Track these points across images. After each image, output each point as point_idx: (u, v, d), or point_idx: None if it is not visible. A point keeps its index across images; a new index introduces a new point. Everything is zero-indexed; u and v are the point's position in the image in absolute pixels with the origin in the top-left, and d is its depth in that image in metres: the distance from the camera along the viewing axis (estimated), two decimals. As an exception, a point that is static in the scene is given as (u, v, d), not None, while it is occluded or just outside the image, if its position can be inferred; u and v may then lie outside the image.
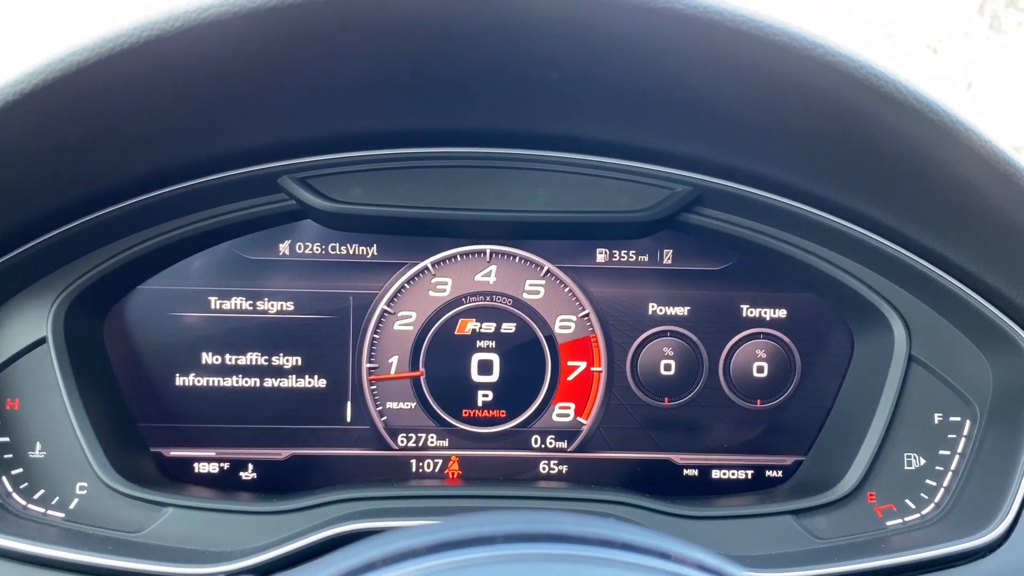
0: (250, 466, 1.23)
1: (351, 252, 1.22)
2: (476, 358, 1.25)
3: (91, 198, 1.05)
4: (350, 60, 0.92)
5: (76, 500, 1.11)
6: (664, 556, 0.58)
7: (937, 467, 1.17)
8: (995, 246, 1.03)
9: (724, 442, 1.27)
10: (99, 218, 1.07)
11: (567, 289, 1.25)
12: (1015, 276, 1.06)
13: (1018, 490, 1.07)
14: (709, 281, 1.25)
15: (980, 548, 1.04)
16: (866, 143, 0.95)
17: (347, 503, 1.12)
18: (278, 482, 1.22)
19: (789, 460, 1.27)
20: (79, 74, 0.82)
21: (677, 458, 1.26)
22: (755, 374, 1.26)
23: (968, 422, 1.17)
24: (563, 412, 1.26)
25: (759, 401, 1.26)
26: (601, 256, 1.25)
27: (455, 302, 1.24)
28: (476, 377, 1.25)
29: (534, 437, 1.27)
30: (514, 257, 1.24)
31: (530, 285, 1.25)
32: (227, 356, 1.21)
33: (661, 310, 1.25)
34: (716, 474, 1.26)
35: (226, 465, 1.23)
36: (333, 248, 1.22)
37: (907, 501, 1.16)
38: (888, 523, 1.15)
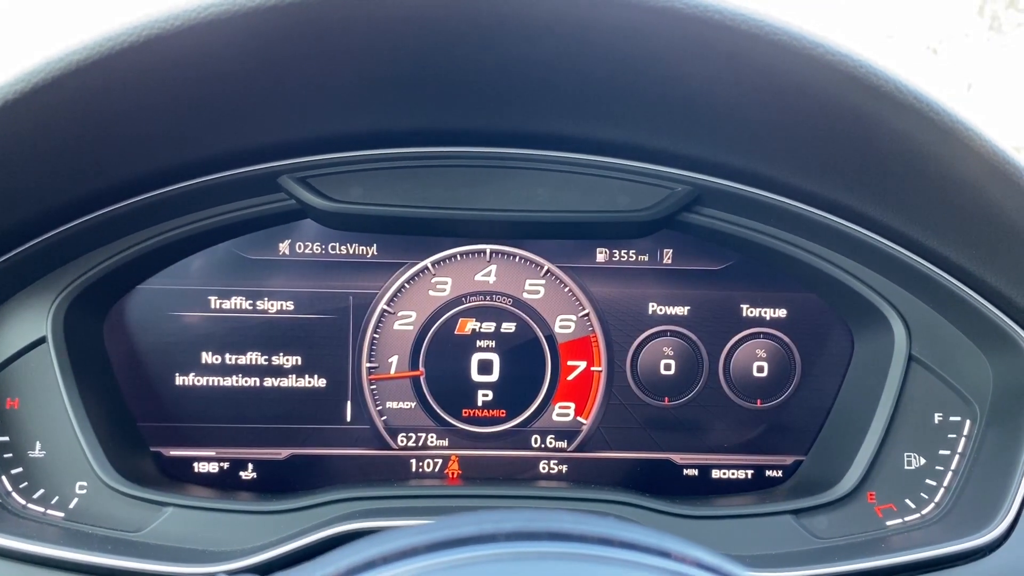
0: (250, 466, 1.23)
1: (351, 252, 1.22)
2: (476, 358, 1.25)
3: (91, 197, 1.05)
4: (350, 59, 0.92)
5: (76, 499, 1.11)
6: (664, 555, 0.58)
7: (937, 467, 1.17)
8: (995, 246, 1.03)
9: (724, 442, 1.27)
10: (99, 217, 1.07)
11: (567, 289, 1.25)
12: (1015, 276, 1.06)
13: (1018, 490, 1.07)
14: (709, 281, 1.25)
15: (980, 548, 1.04)
16: (866, 142, 0.95)
17: (347, 503, 1.12)
18: (278, 482, 1.22)
19: (789, 460, 1.27)
20: (79, 73, 0.82)
21: (677, 458, 1.26)
22: (755, 374, 1.26)
23: (968, 422, 1.17)
24: (563, 412, 1.26)
25: (759, 401, 1.26)
26: (601, 256, 1.25)
27: (455, 302, 1.24)
28: (476, 377, 1.25)
29: (534, 437, 1.27)
30: (514, 257, 1.24)
31: (530, 285, 1.25)
32: (227, 356, 1.21)
33: (661, 310, 1.25)
34: (716, 474, 1.26)
35: (226, 465, 1.23)
36: (333, 248, 1.22)
37: (907, 501, 1.16)
38: (888, 523, 1.15)
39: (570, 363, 1.26)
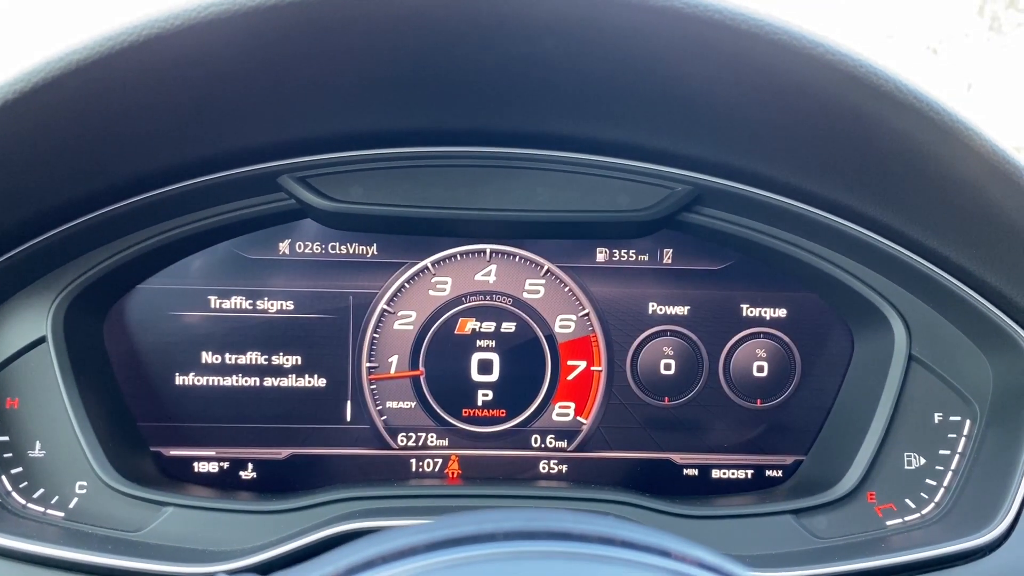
0: (250, 465, 1.23)
1: (351, 251, 1.22)
2: (476, 357, 1.25)
3: (91, 197, 1.05)
4: (350, 59, 0.92)
5: (75, 499, 1.11)
6: (664, 554, 0.58)
7: (937, 467, 1.17)
8: (995, 245, 1.03)
9: (724, 442, 1.27)
10: (99, 217, 1.07)
11: (567, 288, 1.25)
12: (1015, 276, 1.06)
13: (1018, 490, 1.07)
14: (709, 280, 1.25)
15: (980, 548, 1.04)
16: (866, 142, 0.95)
17: (347, 502, 1.12)
18: (278, 481, 1.22)
19: (789, 460, 1.27)
20: (79, 72, 0.82)
21: (677, 457, 1.26)
22: (755, 373, 1.26)
23: (968, 422, 1.17)
24: (563, 411, 1.26)
25: (759, 401, 1.26)
26: (601, 255, 1.25)
27: (455, 301, 1.24)
28: (476, 376, 1.25)
29: (534, 436, 1.27)
30: (514, 256, 1.24)
31: (530, 284, 1.25)
32: (227, 355, 1.21)
33: (661, 309, 1.25)
34: (716, 474, 1.26)
35: (226, 464, 1.23)
36: (333, 247, 1.22)
37: (907, 501, 1.16)
38: (888, 523, 1.15)
39: (570, 363, 1.26)
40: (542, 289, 1.25)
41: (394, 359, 1.24)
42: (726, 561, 0.60)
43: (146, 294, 1.19)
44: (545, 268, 1.25)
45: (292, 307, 1.22)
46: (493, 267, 1.24)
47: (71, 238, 1.07)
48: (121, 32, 0.81)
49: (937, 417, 1.18)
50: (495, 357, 1.25)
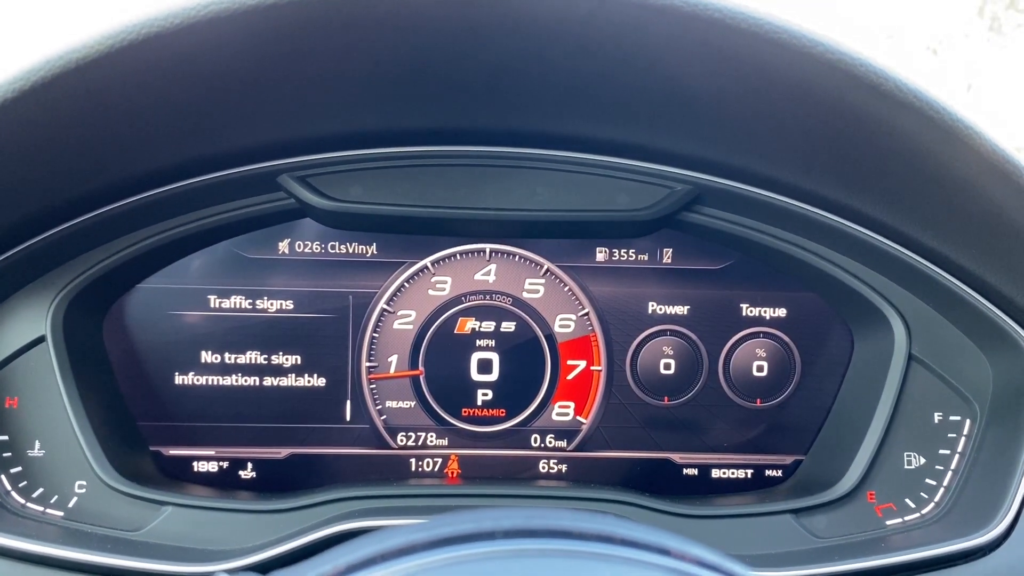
0: (249, 465, 1.23)
1: (350, 251, 1.22)
2: (476, 357, 1.25)
3: (90, 196, 1.05)
4: (349, 58, 0.92)
5: (75, 499, 1.11)
6: (663, 552, 0.58)
7: (937, 466, 1.17)
8: (995, 245, 1.03)
9: (724, 441, 1.27)
10: (98, 216, 1.07)
11: (567, 288, 1.25)
12: (1015, 275, 1.06)
13: (1018, 489, 1.07)
14: (709, 280, 1.25)
15: (980, 547, 1.03)
16: (866, 141, 0.95)
17: (346, 502, 1.12)
18: (277, 481, 1.22)
19: (789, 459, 1.27)
20: (78, 71, 0.82)
21: (677, 457, 1.26)
22: (755, 373, 1.26)
23: (968, 421, 1.17)
24: (563, 411, 1.26)
25: (759, 400, 1.26)
26: (601, 255, 1.25)
27: (455, 301, 1.24)
28: (476, 376, 1.25)
29: (533, 436, 1.26)
30: (514, 256, 1.24)
31: (530, 284, 1.25)
32: (226, 355, 1.21)
33: (661, 309, 1.25)
34: (716, 473, 1.26)
35: (225, 464, 1.22)
36: (332, 247, 1.22)
37: (907, 500, 1.16)
38: (888, 522, 1.15)
39: (570, 362, 1.26)
40: (542, 289, 1.25)
41: (394, 359, 1.24)
42: (726, 560, 0.60)
43: (146, 293, 1.19)
44: (545, 268, 1.24)
45: (292, 307, 1.22)
46: (493, 267, 1.24)
47: (71, 237, 1.07)
48: (120, 31, 0.81)
49: (937, 417, 1.18)
50: (495, 357, 1.25)
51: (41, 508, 1.10)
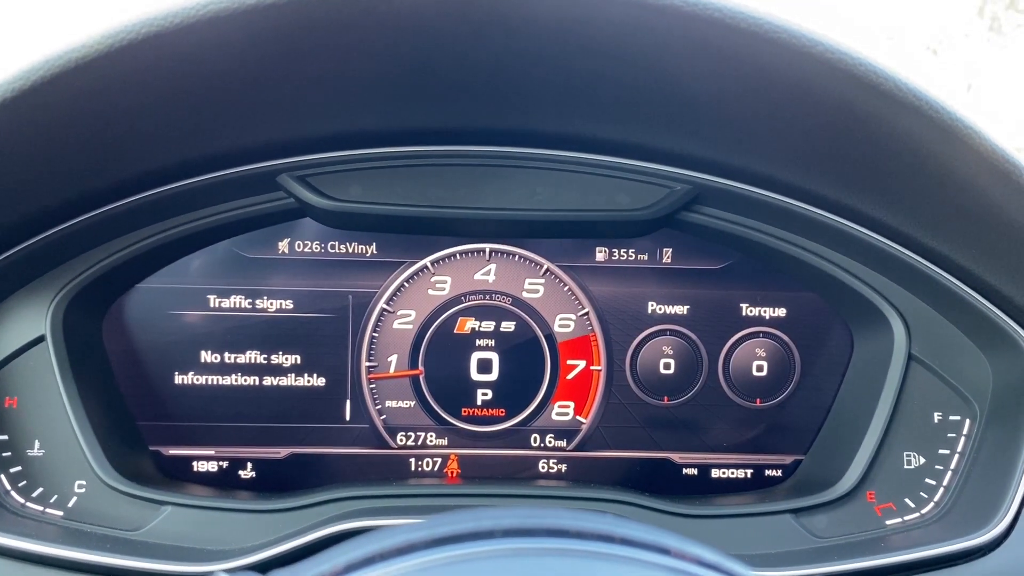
0: (249, 464, 1.23)
1: (350, 251, 1.22)
2: (475, 357, 1.25)
3: (90, 196, 1.05)
4: (349, 58, 0.92)
5: (74, 498, 1.11)
6: (663, 551, 0.58)
7: (937, 466, 1.17)
8: (995, 245, 1.03)
9: (723, 441, 1.26)
10: (98, 216, 1.07)
11: (566, 288, 1.25)
12: (1015, 275, 1.06)
13: (1018, 489, 1.07)
14: (709, 280, 1.25)
15: (980, 547, 1.03)
16: (865, 141, 0.95)
17: (346, 501, 1.12)
18: (277, 481, 1.22)
19: (788, 459, 1.27)
20: (78, 71, 0.82)
21: (676, 457, 1.26)
22: (755, 373, 1.26)
23: (968, 421, 1.17)
24: (562, 411, 1.26)
25: (758, 400, 1.26)
26: (600, 255, 1.25)
27: (454, 301, 1.24)
28: (475, 376, 1.25)
29: (533, 436, 1.26)
30: (513, 256, 1.24)
31: (529, 284, 1.25)
32: (226, 355, 1.21)
33: (660, 309, 1.25)
34: (715, 473, 1.26)
35: (225, 463, 1.22)
36: (332, 247, 1.22)
37: (907, 500, 1.16)
38: (887, 522, 1.15)
39: (569, 362, 1.25)
40: (541, 288, 1.25)
41: (393, 358, 1.24)
42: (726, 559, 0.60)
43: (145, 293, 1.19)
44: (544, 267, 1.24)
45: (291, 306, 1.22)
46: (492, 266, 1.24)
47: (70, 237, 1.07)
48: (120, 30, 0.81)
49: (937, 416, 1.18)
50: (494, 356, 1.25)
51: (41, 508, 1.10)
